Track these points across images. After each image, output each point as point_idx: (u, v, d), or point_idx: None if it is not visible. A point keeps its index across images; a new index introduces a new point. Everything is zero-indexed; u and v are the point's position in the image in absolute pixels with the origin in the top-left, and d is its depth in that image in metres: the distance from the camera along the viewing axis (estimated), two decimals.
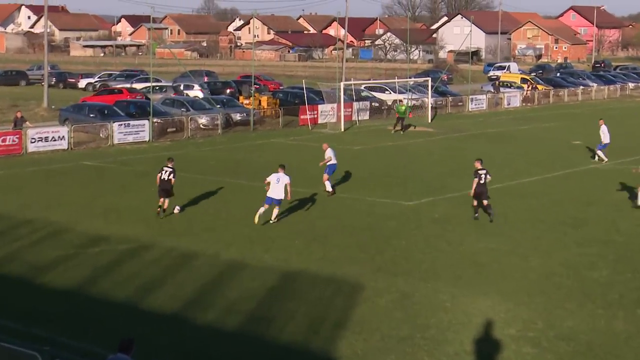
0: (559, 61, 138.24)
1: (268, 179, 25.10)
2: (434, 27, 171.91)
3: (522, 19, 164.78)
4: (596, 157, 38.14)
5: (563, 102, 71.93)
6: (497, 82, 75.77)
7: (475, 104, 63.81)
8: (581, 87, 77.87)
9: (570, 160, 37.94)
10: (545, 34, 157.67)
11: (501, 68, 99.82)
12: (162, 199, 25.90)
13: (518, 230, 24.56)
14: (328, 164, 29.95)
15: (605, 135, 37.67)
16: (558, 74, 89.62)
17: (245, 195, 29.35)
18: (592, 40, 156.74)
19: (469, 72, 76.47)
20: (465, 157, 38.12)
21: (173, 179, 25.87)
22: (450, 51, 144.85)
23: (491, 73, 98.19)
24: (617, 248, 22.66)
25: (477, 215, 25.97)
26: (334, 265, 20.73)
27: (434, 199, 28.92)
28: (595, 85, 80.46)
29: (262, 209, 24.83)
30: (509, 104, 65.68)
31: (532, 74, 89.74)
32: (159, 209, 25.85)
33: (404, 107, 49.32)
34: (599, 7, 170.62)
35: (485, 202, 25.71)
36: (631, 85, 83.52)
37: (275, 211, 25.02)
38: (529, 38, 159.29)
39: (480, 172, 25.71)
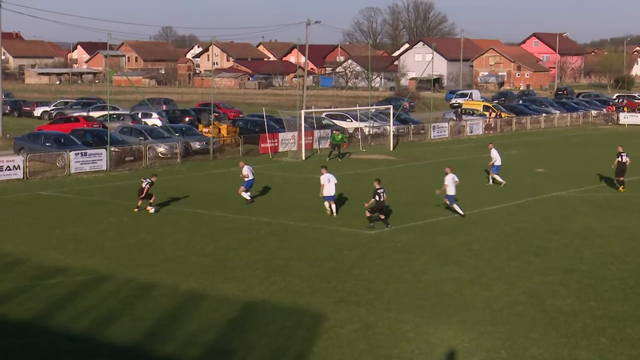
0: (521, 88, 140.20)
1: (322, 182, 30.84)
2: (396, 54, 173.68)
3: (484, 46, 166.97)
4: (491, 181, 39.64)
5: (526, 129, 72.91)
6: (459, 110, 76.64)
7: (438, 132, 64.47)
8: (544, 114, 79.06)
9: (533, 188, 38.45)
10: (508, 61, 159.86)
11: (463, 95, 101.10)
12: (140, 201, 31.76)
13: (481, 260, 24.83)
14: (246, 179, 33.65)
15: (496, 159, 39.39)
16: (520, 101, 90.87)
17: (204, 225, 29.35)
18: (554, 67, 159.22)
19: (431, 99, 77.29)
20: (427, 186, 38.48)
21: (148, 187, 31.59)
22: (412, 78, 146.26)
23: (453, 100, 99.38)
24: (580, 276, 23.00)
25: (372, 224, 28.88)
26: (296, 296, 20.81)
27: (396, 228, 29.12)
28: (557, 112, 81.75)
29: (327, 204, 30.91)
30: (472, 132, 66.45)
31: (495, 102, 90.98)
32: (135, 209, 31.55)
33: (340, 136, 49.96)
34: (561, 34, 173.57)
35: (382, 216, 29.07)
36: (594, 112, 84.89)
37: (333, 206, 30.92)
38: (491, 65, 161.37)
39: (379, 190, 28.83)
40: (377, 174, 43.05)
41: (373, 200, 28.85)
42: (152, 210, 31.70)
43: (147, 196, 31.83)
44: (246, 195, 33.71)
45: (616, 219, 31.10)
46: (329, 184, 30.99)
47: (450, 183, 31.54)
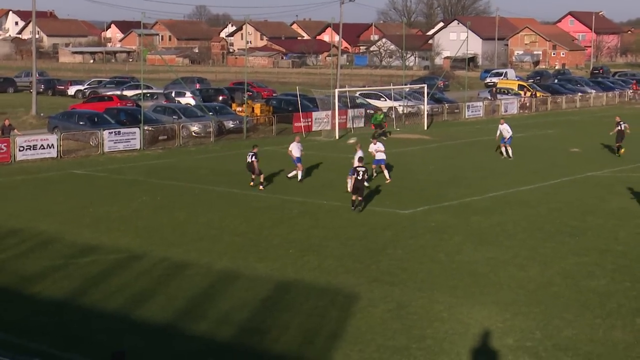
0: (556, 67, 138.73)
1: (374, 148, 34.02)
2: (430, 33, 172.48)
3: (520, 25, 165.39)
4: (505, 153, 41.03)
5: (561, 109, 72.20)
6: (494, 89, 76.01)
7: (472, 111, 64.00)
8: (579, 93, 78.18)
9: (569, 168, 38.07)
10: (543, 40, 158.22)
11: (498, 74, 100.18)
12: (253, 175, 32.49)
13: (516, 240, 24.65)
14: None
15: (507, 132, 41.00)
16: (556, 81, 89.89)
17: (238, 205, 29.40)
18: (590, 46, 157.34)
19: (465, 78, 76.73)
20: (461, 165, 38.26)
21: (256, 162, 32.05)
22: (447, 57, 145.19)
23: (488, 80, 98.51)
24: (615, 257, 22.76)
25: (354, 208, 28.00)
26: (329, 275, 20.79)
27: (429, 208, 29.00)
28: (593, 92, 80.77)
29: (387, 173, 33.73)
30: (506, 111, 65.89)
31: (530, 81, 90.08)
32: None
33: (381, 116, 49.80)
34: (597, 13, 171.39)
35: (359, 197, 28.10)
36: (630, 91, 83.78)
37: (386, 172, 33.67)
38: (526, 44, 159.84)
39: (358, 169, 27.95)
40: (411, 154, 42.99)
41: (353, 178, 28.19)
42: (262, 188, 32.05)
43: (259, 171, 32.12)
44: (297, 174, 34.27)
45: None
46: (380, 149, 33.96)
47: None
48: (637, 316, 17.94)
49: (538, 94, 73.79)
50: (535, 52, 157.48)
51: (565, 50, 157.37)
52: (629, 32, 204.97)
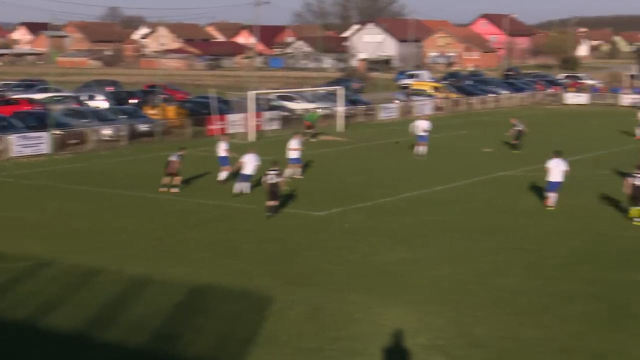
0: (470, 69, 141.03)
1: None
2: (346, 35, 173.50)
3: (434, 27, 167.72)
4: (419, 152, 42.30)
5: (474, 110, 73.43)
6: (408, 91, 76.87)
7: (387, 113, 64.63)
8: (492, 94, 79.62)
9: (481, 168, 38.73)
10: (457, 42, 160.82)
11: (413, 76, 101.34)
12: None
13: (430, 240, 24.96)
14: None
15: (421, 130, 42.90)
16: (469, 82, 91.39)
17: (152, 209, 29.07)
18: (502, 48, 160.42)
19: (380, 80, 77.43)
20: (376, 166, 38.57)
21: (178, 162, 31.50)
22: (362, 59, 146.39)
23: (402, 81, 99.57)
24: (526, 255, 23.25)
25: (270, 214, 27.50)
26: (244, 279, 20.71)
27: (344, 209, 29.16)
28: (506, 92, 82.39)
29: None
30: (421, 112, 66.64)
31: (444, 82, 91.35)
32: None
33: (317, 115, 50.16)
34: (509, 15, 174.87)
35: (274, 202, 27.59)
36: (540, 93, 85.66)
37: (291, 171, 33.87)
38: (440, 46, 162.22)
39: (270, 172, 27.52)
40: (326, 155, 43.17)
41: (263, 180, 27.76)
42: (175, 190, 31.68)
43: (174, 173, 31.70)
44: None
45: (563, 198, 31.41)
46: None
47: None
48: (547, 313, 18.35)
49: (452, 95, 74.92)
50: (449, 54, 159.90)
51: (479, 51, 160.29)
52: (540, 34, 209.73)
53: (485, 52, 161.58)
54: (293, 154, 35.29)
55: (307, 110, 54.76)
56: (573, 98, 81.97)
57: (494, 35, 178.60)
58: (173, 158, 31.82)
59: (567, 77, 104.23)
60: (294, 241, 24.61)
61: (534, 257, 23.10)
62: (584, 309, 18.64)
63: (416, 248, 23.92)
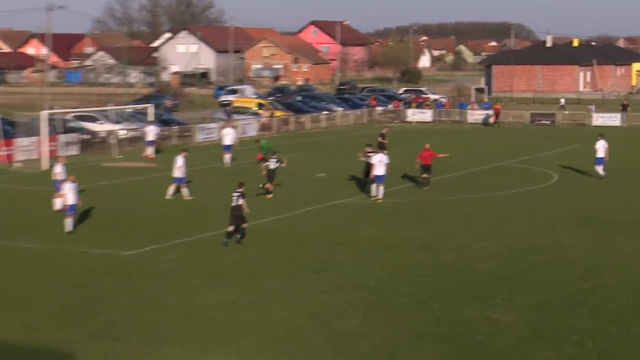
0: (299, 83, 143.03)
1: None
2: (155, 45, 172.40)
3: (257, 36, 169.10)
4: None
5: (305, 129, 74.36)
6: (229, 108, 77.05)
7: (206, 134, 64.48)
8: (325, 112, 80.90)
9: (316, 196, 39.15)
10: (284, 53, 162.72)
11: (234, 92, 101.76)
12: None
13: (259, 279, 24.96)
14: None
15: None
16: (299, 98, 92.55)
17: None
18: (335, 59, 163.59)
19: (196, 97, 77.28)
20: (194, 196, 38.29)
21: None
22: (175, 73, 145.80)
23: (222, 97, 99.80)
24: (368, 293, 23.61)
25: (227, 240, 28.90)
26: (39, 333, 20.06)
27: (159, 247, 28.81)
28: (340, 109, 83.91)
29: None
30: (244, 133, 66.82)
31: (270, 98, 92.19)
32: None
33: (266, 143, 47.67)
34: (342, 22, 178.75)
35: (230, 227, 28.96)
36: (379, 109, 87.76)
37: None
38: (265, 57, 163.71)
39: (234, 194, 29.28)
40: (135, 185, 42.59)
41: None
42: None
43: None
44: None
45: (406, 228, 32.23)
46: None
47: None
48: (393, 358, 18.63)
49: (279, 113, 75.60)
50: (275, 66, 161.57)
51: (309, 63, 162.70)
52: (377, 43, 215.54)
53: (316, 63, 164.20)
54: (178, 173, 37.73)
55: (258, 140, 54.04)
56: (415, 115, 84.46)
57: (325, 45, 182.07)
58: None
59: (407, 91, 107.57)
60: (98, 286, 24.06)
61: (377, 295, 23.48)
62: (434, 353, 19.07)
63: (243, 289, 23.85)
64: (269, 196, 38.19)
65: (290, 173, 45.09)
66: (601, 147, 44.21)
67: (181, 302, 22.71)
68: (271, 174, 38.36)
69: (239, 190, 29.54)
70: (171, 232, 31.12)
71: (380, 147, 46.22)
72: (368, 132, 70.99)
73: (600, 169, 44.19)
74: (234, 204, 29.19)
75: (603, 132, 49.23)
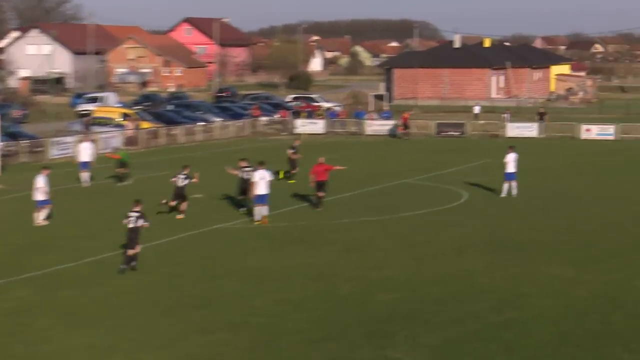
0: (171, 89, 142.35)
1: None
2: (1, 45, 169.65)
3: (122, 35, 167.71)
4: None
5: (178, 143, 73.94)
6: (87, 119, 76.20)
7: (61, 149, 63.62)
8: (201, 123, 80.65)
9: (192, 220, 38.89)
10: (153, 55, 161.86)
11: (94, 100, 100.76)
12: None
13: (124, 318, 24.69)
14: None
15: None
16: (170, 107, 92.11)
17: None
18: (213, 62, 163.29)
19: (50, 106, 76.28)
20: (50, 224, 37.74)
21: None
22: (25, 78, 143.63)
23: (81, 107, 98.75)
24: (253, 332, 23.55)
25: (125, 266, 29.61)
26: None
27: (6, 282, 28.35)
28: (219, 120, 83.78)
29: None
30: (106, 148, 66.02)
31: (137, 107, 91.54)
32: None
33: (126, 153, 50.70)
34: (220, 20, 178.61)
35: (133, 251, 29.91)
36: (264, 119, 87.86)
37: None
38: (131, 60, 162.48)
39: (131, 215, 29.82)
40: None
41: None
42: None
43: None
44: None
45: (296, 256, 32.28)
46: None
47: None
48: None
49: (147, 125, 75.02)
50: (143, 70, 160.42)
51: (182, 67, 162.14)
52: (261, 44, 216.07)
53: (190, 67, 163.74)
54: (39, 195, 37.44)
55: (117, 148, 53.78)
56: (306, 126, 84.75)
57: (201, 46, 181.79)
58: None
59: (297, 98, 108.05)
60: None
61: (262, 334, 23.45)
62: None
63: (106, 330, 23.59)
64: (179, 216, 39.16)
65: (162, 194, 44.77)
66: (511, 161, 44.93)
67: (29, 347, 22.34)
68: (179, 192, 39.26)
69: (136, 210, 29.76)
70: (21, 265, 30.62)
71: (291, 163, 48.70)
72: (251, 147, 71.09)
73: (507, 187, 44.98)
74: (131, 225, 29.58)
75: (518, 143, 50.20)
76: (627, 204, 43.48)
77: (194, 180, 39.60)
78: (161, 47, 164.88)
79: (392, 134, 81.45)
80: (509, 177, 44.95)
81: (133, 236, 29.78)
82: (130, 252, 29.82)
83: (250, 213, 39.13)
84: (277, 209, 39.85)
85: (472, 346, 22.52)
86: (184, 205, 39.37)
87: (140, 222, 29.88)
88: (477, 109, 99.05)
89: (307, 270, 30.24)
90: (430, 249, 33.51)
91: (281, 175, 49.88)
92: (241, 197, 40.37)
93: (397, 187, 49.36)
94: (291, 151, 51.85)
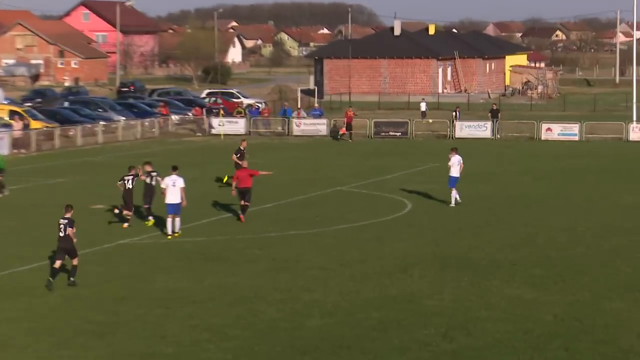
0: (67, 84, 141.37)
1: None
2: None
3: (9, 21, 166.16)
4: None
5: (76, 146, 73.36)
6: None
7: None
8: (102, 122, 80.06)
9: (92, 234, 38.57)
10: (45, 43, 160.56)
11: None
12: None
13: (12, 349, 24.50)
14: None
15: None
16: (66, 104, 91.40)
17: None
18: (115, 52, 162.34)
19: None
20: None
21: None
22: None
23: None
24: None
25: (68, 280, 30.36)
26: None
27: None
28: (122, 119, 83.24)
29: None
30: None
31: (27, 104, 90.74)
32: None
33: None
34: (123, 3, 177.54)
35: (73, 261, 30.57)
36: (175, 118, 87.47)
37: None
38: (19, 49, 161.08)
39: (61, 222, 30.12)
40: None
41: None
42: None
43: None
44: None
45: (215, 275, 32.17)
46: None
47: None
48: None
49: (38, 124, 74.35)
50: (34, 61, 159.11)
51: (79, 57, 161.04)
52: (171, 30, 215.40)
53: (88, 57, 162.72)
54: None
55: None
56: (223, 125, 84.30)
57: (101, 33, 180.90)
58: None
59: (212, 94, 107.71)
60: None
61: None
62: None
63: None
64: (125, 225, 40.16)
65: (56, 204, 44.44)
66: (456, 164, 45.34)
67: None
68: (129, 196, 40.04)
69: (66, 217, 29.79)
70: None
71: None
72: (161, 149, 70.72)
73: (455, 194, 45.33)
74: (61, 234, 29.86)
75: (469, 145, 50.45)
76: (593, 214, 43.85)
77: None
78: (54, 34, 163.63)
79: (334, 136, 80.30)
80: (453, 182, 45.13)
81: (64, 246, 29.94)
82: (57, 264, 30.09)
83: (160, 224, 38.94)
84: (193, 220, 39.71)
85: None
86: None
87: (69, 230, 29.89)
88: (423, 106, 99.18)
89: (227, 292, 30.14)
90: (370, 267, 33.53)
91: (225, 179, 50.39)
92: (147, 205, 40.24)
93: (330, 196, 49.36)
94: (236, 156, 50.47)
